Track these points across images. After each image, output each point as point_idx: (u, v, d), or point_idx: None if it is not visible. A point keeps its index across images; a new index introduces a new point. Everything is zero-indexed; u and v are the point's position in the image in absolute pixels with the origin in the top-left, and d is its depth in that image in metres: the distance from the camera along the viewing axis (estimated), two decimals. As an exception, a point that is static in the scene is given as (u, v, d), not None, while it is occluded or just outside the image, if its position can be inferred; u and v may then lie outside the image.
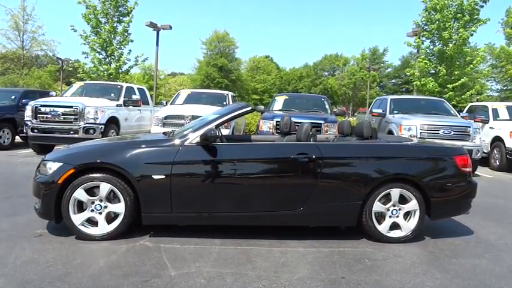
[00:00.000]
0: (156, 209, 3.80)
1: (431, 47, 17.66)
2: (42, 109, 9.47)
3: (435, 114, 9.82)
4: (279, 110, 10.34)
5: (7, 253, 3.38)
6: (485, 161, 10.48)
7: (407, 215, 4.03)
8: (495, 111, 11.18)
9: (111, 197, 3.77)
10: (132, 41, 18.74)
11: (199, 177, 3.84)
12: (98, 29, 17.96)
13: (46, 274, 2.99)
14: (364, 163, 3.98)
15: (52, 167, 3.77)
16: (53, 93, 13.29)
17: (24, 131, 9.82)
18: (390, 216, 4.00)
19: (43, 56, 36.82)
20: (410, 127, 8.84)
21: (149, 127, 10.90)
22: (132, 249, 3.58)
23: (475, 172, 8.90)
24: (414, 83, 18.23)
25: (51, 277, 2.94)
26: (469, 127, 8.91)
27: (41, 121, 9.45)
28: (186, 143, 3.87)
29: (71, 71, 35.37)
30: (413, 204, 3.98)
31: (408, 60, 43.68)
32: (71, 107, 9.43)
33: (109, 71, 18.13)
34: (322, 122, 9.14)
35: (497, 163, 10.21)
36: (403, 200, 4.00)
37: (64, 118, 9.40)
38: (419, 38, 17.81)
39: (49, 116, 9.43)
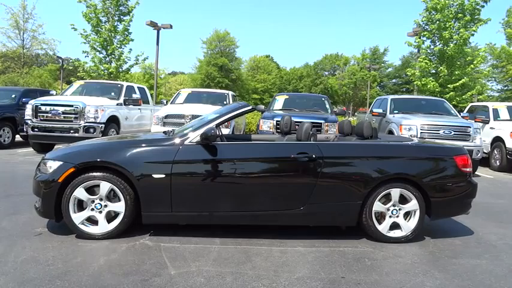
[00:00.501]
0: (156, 208, 3.80)
1: (432, 46, 17.64)
2: (43, 108, 9.48)
3: (435, 114, 9.82)
4: (280, 110, 10.34)
5: (7, 252, 3.38)
6: (485, 161, 10.48)
7: (407, 214, 4.03)
8: (496, 111, 11.18)
9: (111, 196, 3.77)
10: (132, 40, 18.74)
11: (199, 176, 3.84)
12: (99, 28, 17.95)
13: (46, 273, 2.99)
14: (364, 163, 3.98)
15: (52, 165, 3.77)
16: (53, 92, 13.33)
17: (25, 129, 9.83)
18: (390, 216, 4.00)
19: (43, 55, 36.87)
20: (411, 127, 8.84)
21: (149, 126, 10.91)
22: (132, 248, 3.58)
23: (476, 172, 8.91)
24: (415, 82, 18.22)
25: (51, 276, 2.94)
26: (470, 127, 8.90)
27: (41, 120, 9.45)
28: (186, 142, 3.87)
29: (71, 70, 35.39)
30: (413, 204, 3.98)
31: (409, 60, 43.74)
32: (71, 105, 9.43)
33: (109, 70, 18.12)
34: (322, 121, 9.14)
35: (498, 163, 10.21)
36: (403, 199, 4.00)
37: (64, 117, 9.40)
38: (419, 37, 17.79)
39: (49, 114, 9.43)
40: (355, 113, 37.39)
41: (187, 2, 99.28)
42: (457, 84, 16.73)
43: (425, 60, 17.41)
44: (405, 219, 4.02)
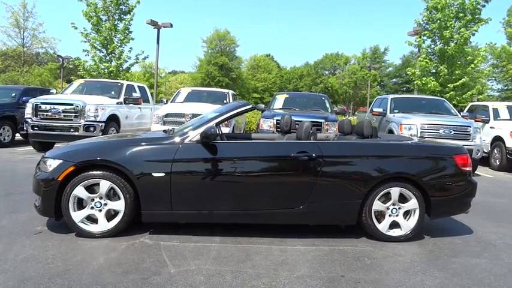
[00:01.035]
0: (156, 207, 3.81)
1: (433, 46, 17.62)
2: (43, 107, 9.48)
3: (436, 114, 9.82)
4: (280, 109, 10.34)
5: (7, 250, 3.38)
6: (485, 161, 10.48)
7: (407, 214, 4.04)
8: (496, 111, 11.17)
9: (111, 195, 3.78)
10: (133, 38, 18.71)
11: (199, 175, 3.84)
12: (99, 27, 17.92)
13: (46, 271, 2.99)
14: (364, 162, 3.98)
15: (52, 164, 3.77)
16: (54, 90, 13.33)
17: (25, 128, 9.83)
18: (390, 215, 4.00)
19: (43, 54, 36.83)
20: (411, 126, 8.84)
21: (149, 125, 10.90)
22: (132, 246, 3.58)
23: (475, 172, 8.91)
24: (415, 82, 18.21)
25: (51, 274, 2.95)
26: (470, 127, 8.91)
27: (42, 119, 9.45)
28: (186, 141, 3.88)
29: (71, 69, 35.42)
30: (413, 203, 3.98)
31: (409, 59, 43.68)
32: (72, 104, 9.43)
33: (109, 69, 18.11)
34: (322, 120, 9.14)
35: (498, 163, 10.21)
36: (402, 199, 4.00)
37: (64, 116, 9.40)
38: (420, 37, 17.77)
39: (49, 113, 9.43)
40: (356, 113, 37.39)
41: (187, 1, 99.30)
42: (458, 83, 16.72)
43: (426, 60, 17.40)
44: (405, 218, 4.02)
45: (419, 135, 8.60)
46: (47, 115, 9.44)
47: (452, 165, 4.12)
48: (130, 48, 18.79)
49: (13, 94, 11.64)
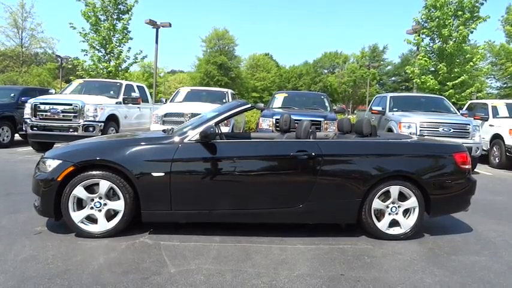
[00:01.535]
0: (155, 207, 3.81)
1: (431, 44, 17.63)
2: (42, 107, 9.47)
3: (435, 112, 9.82)
4: (279, 108, 10.34)
5: (7, 250, 3.38)
6: (484, 159, 10.49)
7: (406, 212, 4.04)
8: (495, 108, 11.19)
9: (111, 195, 3.77)
10: (131, 38, 18.68)
11: (198, 174, 3.84)
12: (97, 27, 17.88)
13: (46, 271, 2.99)
14: (363, 160, 3.98)
15: (51, 164, 3.77)
16: (53, 90, 13.31)
17: (24, 128, 9.81)
18: (389, 214, 4.01)
19: (42, 54, 36.82)
20: (410, 125, 8.84)
21: (149, 125, 10.90)
22: (132, 246, 3.58)
23: (475, 169, 8.91)
24: (414, 80, 18.21)
25: (51, 274, 2.95)
26: (469, 124, 8.92)
27: (41, 119, 9.44)
28: (185, 141, 3.87)
29: (70, 69, 35.36)
30: (412, 202, 3.99)
31: (408, 57, 43.67)
32: (71, 104, 9.42)
33: (108, 69, 18.08)
34: (321, 119, 9.14)
35: (497, 160, 10.23)
36: (402, 197, 4.01)
37: (63, 116, 9.39)
38: (419, 35, 17.77)
39: (48, 113, 9.42)
40: (355, 111, 37.40)
41: (186, 0, 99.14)
42: (457, 81, 16.73)
43: (425, 58, 17.40)
44: (404, 217, 4.03)
45: (418, 133, 8.61)
46: (46, 115, 9.43)
47: (451, 163, 4.12)
48: (129, 48, 18.78)
49: (12, 94, 11.63)
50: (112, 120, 10.01)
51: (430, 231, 4.29)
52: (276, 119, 8.87)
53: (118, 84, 11.40)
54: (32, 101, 9.63)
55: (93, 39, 17.91)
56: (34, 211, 3.91)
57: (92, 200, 3.75)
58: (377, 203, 3.96)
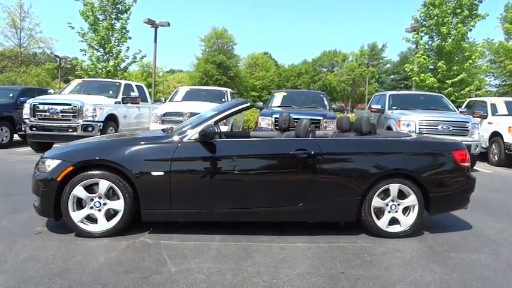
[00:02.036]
0: (155, 206, 3.81)
1: (430, 42, 17.65)
2: (41, 107, 9.46)
3: (434, 110, 9.82)
4: (278, 107, 10.34)
5: (7, 250, 3.38)
6: (484, 156, 10.50)
7: (406, 210, 4.04)
8: (494, 106, 11.19)
9: (111, 194, 3.77)
10: (130, 38, 18.67)
11: (198, 173, 3.85)
12: (96, 26, 17.86)
13: (46, 271, 2.99)
14: (363, 159, 3.98)
15: (51, 164, 3.77)
16: (51, 90, 13.28)
17: (23, 129, 9.79)
18: (389, 212, 4.01)
19: (41, 54, 36.74)
20: (409, 123, 8.85)
21: (148, 124, 10.89)
22: (132, 245, 3.58)
23: (474, 167, 8.91)
24: (413, 78, 18.23)
25: (51, 274, 2.95)
26: (468, 122, 8.92)
27: (40, 119, 9.44)
28: (184, 140, 3.87)
29: (69, 69, 35.34)
30: (412, 199, 3.99)
31: (407, 56, 43.64)
32: (70, 104, 9.42)
33: (107, 69, 18.06)
34: (321, 118, 9.14)
35: (496, 158, 10.24)
36: (402, 195, 4.01)
37: (62, 116, 9.38)
38: (418, 33, 17.79)
39: (47, 113, 9.41)
40: (354, 110, 37.38)
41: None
42: (456, 79, 16.75)
43: (424, 56, 17.41)
44: (404, 215, 4.03)
45: (417, 131, 8.61)
46: (45, 115, 9.42)
47: (451, 161, 4.12)
48: (128, 47, 18.78)
49: (11, 94, 11.62)
50: (111, 120, 10.00)
51: (430, 229, 4.30)
52: (275, 118, 8.87)
53: (117, 83, 11.39)
54: (30, 101, 9.62)
55: (91, 39, 17.89)
56: (34, 211, 3.91)
57: (92, 199, 3.75)
58: (377, 201, 3.96)
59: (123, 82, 11.57)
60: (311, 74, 58.35)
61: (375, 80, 53.67)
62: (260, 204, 3.91)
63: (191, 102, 10.44)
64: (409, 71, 18.64)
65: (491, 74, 32.10)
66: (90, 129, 9.32)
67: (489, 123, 10.68)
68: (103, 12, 18.02)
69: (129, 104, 10.82)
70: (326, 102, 10.93)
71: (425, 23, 17.53)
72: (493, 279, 3.14)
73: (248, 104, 4.36)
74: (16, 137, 11.27)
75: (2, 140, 10.64)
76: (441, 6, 16.53)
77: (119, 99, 10.60)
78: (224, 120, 5.57)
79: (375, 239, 3.95)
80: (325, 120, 9.15)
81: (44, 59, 38.44)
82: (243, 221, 4.07)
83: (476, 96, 18.45)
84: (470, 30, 16.67)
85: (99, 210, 3.76)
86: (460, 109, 10.57)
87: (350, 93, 56.77)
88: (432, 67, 17.59)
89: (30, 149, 10.12)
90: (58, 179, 3.67)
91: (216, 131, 4.06)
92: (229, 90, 12.33)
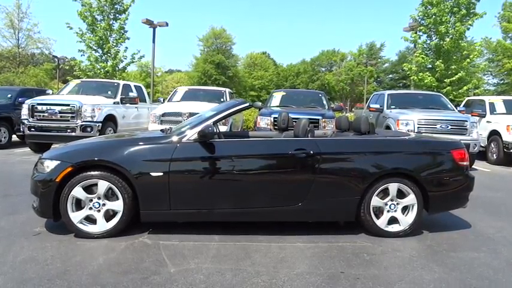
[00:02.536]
0: (154, 206, 3.80)
1: (428, 41, 17.67)
2: (39, 107, 9.44)
3: (432, 109, 9.84)
4: (277, 106, 10.33)
5: (6, 251, 3.37)
6: (482, 155, 10.52)
7: (405, 209, 4.05)
8: (492, 105, 11.21)
9: (110, 195, 3.76)
10: (128, 38, 18.64)
11: (197, 174, 3.84)
12: (94, 27, 17.82)
13: (45, 272, 2.99)
14: (362, 158, 3.99)
15: (50, 165, 3.76)
16: (50, 91, 13.26)
17: (21, 129, 9.78)
18: (388, 211, 4.01)
19: (39, 54, 36.64)
20: (408, 122, 8.85)
21: (147, 124, 10.87)
22: (131, 246, 3.58)
23: (473, 166, 8.94)
24: (411, 77, 18.25)
25: (50, 275, 2.94)
26: (466, 121, 8.93)
27: (38, 119, 9.42)
28: (183, 140, 3.87)
29: (67, 69, 35.19)
30: (411, 199, 3.99)
31: (405, 55, 43.72)
32: (68, 105, 9.40)
33: (106, 69, 18.02)
34: (320, 117, 9.14)
35: (495, 157, 10.25)
36: (401, 194, 4.01)
37: (61, 116, 9.36)
38: (416, 32, 17.81)
39: (46, 114, 9.39)
40: (353, 109, 37.42)
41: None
42: (454, 78, 16.77)
43: (422, 55, 17.43)
44: (403, 214, 4.03)
45: (416, 130, 8.62)
46: (43, 116, 9.40)
47: (449, 160, 4.13)
48: (126, 47, 18.75)
49: (9, 95, 11.59)
50: (110, 120, 9.99)
51: (429, 228, 4.30)
52: (274, 118, 8.86)
53: (115, 84, 11.37)
54: (29, 101, 9.60)
55: (90, 39, 17.85)
56: (33, 212, 3.90)
57: (91, 200, 3.75)
58: (376, 201, 3.96)
59: (122, 82, 11.55)
60: (310, 74, 58.37)
61: (373, 80, 53.71)
62: (259, 204, 3.91)
63: (190, 102, 10.43)
64: (407, 70, 18.66)
65: (489, 72, 32.18)
66: (88, 129, 9.30)
67: (488, 122, 10.70)
68: (101, 12, 17.98)
69: (127, 105, 10.80)
70: (325, 102, 10.93)
71: (423, 22, 17.54)
72: (492, 278, 3.14)
73: (247, 104, 4.36)
74: (14, 137, 11.24)
75: (1, 141, 10.61)
76: (439, 5, 16.55)
77: (118, 99, 10.58)
78: (223, 120, 5.57)
79: (374, 239, 3.95)
80: (324, 119, 9.15)
81: (42, 60, 38.36)
82: (242, 221, 4.06)
83: (474, 95, 18.47)
84: (468, 29, 16.70)
85: (98, 210, 3.75)
86: (458, 108, 10.58)
87: (349, 92, 56.81)
88: (430, 66, 17.61)
89: (29, 149, 10.10)
90: (57, 180, 3.66)
91: (215, 131, 4.06)
92: (227, 90, 12.32)
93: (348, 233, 4.10)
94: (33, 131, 9.44)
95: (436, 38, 17.18)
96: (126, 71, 19.93)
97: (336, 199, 3.94)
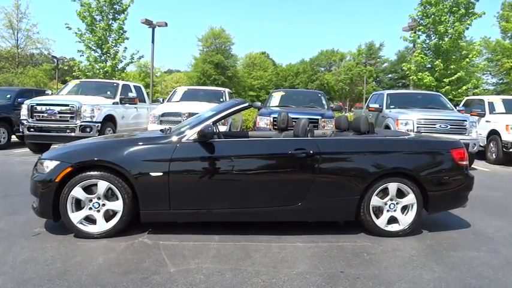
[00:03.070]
0: (154, 206, 3.80)
1: (427, 41, 17.67)
2: (38, 108, 9.43)
3: (432, 109, 9.85)
4: (276, 106, 10.33)
5: (6, 252, 3.37)
6: (481, 155, 10.53)
7: (404, 208, 4.05)
8: (491, 104, 11.22)
9: (109, 195, 3.76)
10: (127, 38, 18.63)
11: (197, 174, 3.84)
12: (93, 27, 17.82)
13: (45, 272, 2.99)
14: (361, 158, 3.99)
15: (49, 165, 3.76)
16: (49, 91, 13.25)
17: (21, 130, 9.77)
18: (388, 210, 4.01)
19: (38, 55, 36.64)
20: (407, 121, 8.86)
21: (146, 125, 10.86)
22: (131, 246, 3.58)
23: (472, 165, 8.94)
24: (411, 77, 18.25)
25: (50, 275, 2.94)
26: (466, 121, 8.94)
27: (37, 120, 9.41)
28: (183, 140, 3.87)
29: (66, 70, 35.13)
30: (410, 198, 4.00)
31: (404, 54, 43.70)
32: (67, 105, 9.39)
33: (105, 69, 18.02)
34: (319, 117, 9.14)
35: (494, 156, 10.26)
36: (400, 194, 4.01)
37: (60, 116, 9.36)
38: (415, 32, 17.81)
39: (45, 114, 9.39)
40: (352, 109, 37.43)
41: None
42: (453, 78, 16.78)
43: (421, 55, 17.43)
44: (403, 213, 4.04)
45: (415, 130, 8.63)
46: (42, 116, 9.39)
47: (449, 159, 4.13)
48: (125, 48, 18.75)
49: (8, 96, 11.57)
50: (109, 120, 9.98)
51: (429, 228, 4.31)
52: (274, 118, 8.86)
53: (115, 84, 11.37)
54: (28, 102, 9.60)
55: (89, 39, 17.84)
56: (32, 212, 3.90)
57: (91, 200, 3.74)
58: (375, 200, 3.97)
59: (121, 83, 11.54)
60: (309, 74, 58.37)
61: (372, 79, 53.72)
62: (259, 204, 3.91)
63: (189, 102, 10.42)
64: (406, 69, 18.66)
65: (488, 72, 32.19)
66: (88, 129, 9.30)
67: (487, 121, 10.71)
68: (100, 12, 17.98)
69: (127, 105, 10.80)
70: (324, 102, 10.93)
71: (422, 21, 17.54)
72: (492, 277, 3.15)
73: (246, 104, 4.36)
74: (14, 138, 11.23)
75: (0, 141, 10.60)
76: (438, 4, 16.56)
77: (117, 99, 10.58)
78: (223, 120, 5.57)
79: (374, 238, 3.96)
80: (323, 119, 9.14)
81: (41, 60, 38.33)
82: (242, 221, 4.06)
83: (473, 94, 18.48)
84: (467, 28, 16.71)
85: (98, 211, 3.75)
86: (457, 107, 10.59)
87: (348, 92, 56.81)
88: (430, 66, 17.62)
89: (28, 150, 10.08)
90: (56, 180, 3.66)
91: (215, 131, 4.06)
92: (227, 90, 12.32)
93: (348, 232, 4.10)
94: (32, 131, 9.43)
95: (435, 38, 17.19)
96: (125, 71, 19.94)
97: (335, 199, 3.95)
